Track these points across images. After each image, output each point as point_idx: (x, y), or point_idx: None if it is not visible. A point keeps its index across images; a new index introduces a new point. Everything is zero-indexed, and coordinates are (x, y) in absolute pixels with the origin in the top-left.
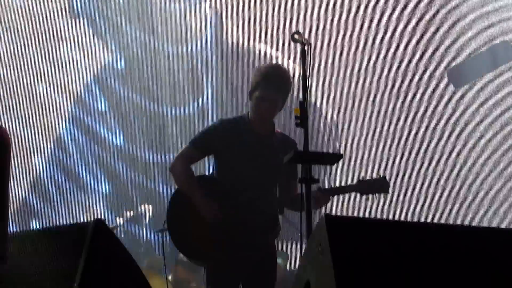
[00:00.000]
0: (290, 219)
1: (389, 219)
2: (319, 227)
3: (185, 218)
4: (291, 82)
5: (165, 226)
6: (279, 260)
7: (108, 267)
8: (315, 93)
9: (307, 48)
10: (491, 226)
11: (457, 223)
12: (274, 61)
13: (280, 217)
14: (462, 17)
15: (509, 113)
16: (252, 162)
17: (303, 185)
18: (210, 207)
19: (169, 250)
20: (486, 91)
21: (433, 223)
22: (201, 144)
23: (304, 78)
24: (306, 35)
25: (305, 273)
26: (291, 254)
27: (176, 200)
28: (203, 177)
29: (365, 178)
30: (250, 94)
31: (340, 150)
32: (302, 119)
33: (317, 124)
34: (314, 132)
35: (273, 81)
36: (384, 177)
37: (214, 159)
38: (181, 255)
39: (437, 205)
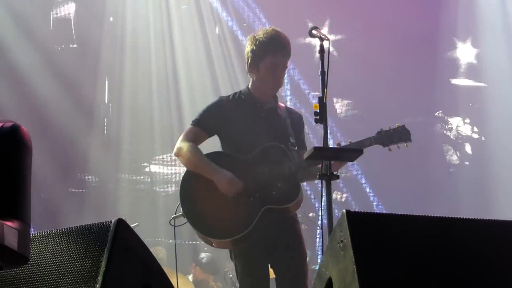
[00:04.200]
0: (309, 216)
1: (410, 214)
2: (340, 223)
3: (201, 198)
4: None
5: (177, 212)
6: None
7: (130, 265)
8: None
9: (326, 43)
10: None
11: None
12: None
13: (301, 185)
14: None
15: None
16: (262, 133)
17: (323, 182)
18: (229, 179)
19: (187, 250)
20: None
21: (455, 218)
22: (204, 123)
23: (323, 73)
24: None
25: (327, 270)
26: (312, 251)
27: (187, 181)
28: (212, 153)
29: (384, 129)
30: (254, 65)
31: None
32: (321, 114)
33: None
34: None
35: (279, 46)
36: (403, 125)
37: (220, 138)
38: (200, 256)
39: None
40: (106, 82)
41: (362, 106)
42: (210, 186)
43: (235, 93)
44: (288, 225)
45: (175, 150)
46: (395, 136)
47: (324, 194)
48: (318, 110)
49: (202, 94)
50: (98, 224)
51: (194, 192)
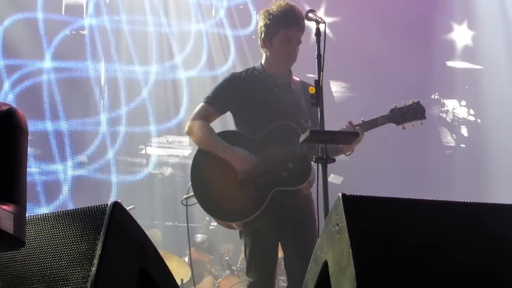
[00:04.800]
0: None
1: (406, 198)
2: (336, 207)
3: (211, 179)
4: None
5: (189, 192)
6: None
7: (126, 248)
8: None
9: (322, 26)
10: None
11: None
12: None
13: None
14: None
15: None
16: (275, 109)
17: (319, 165)
18: (243, 155)
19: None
20: None
21: (449, 201)
22: (216, 100)
23: (319, 56)
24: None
25: (323, 253)
26: None
27: (198, 162)
28: (224, 132)
29: (397, 107)
30: (267, 40)
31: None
32: (318, 98)
33: None
34: None
35: (293, 20)
36: (418, 102)
37: (233, 115)
38: (196, 238)
39: None
40: (102, 63)
41: (359, 89)
42: (222, 166)
43: (247, 69)
44: (299, 205)
45: (186, 128)
46: (409, 114)
47: (320, 177)
48: (314, 93)
49: (199, 78)
50: (94, 207)
51: (204, 172)
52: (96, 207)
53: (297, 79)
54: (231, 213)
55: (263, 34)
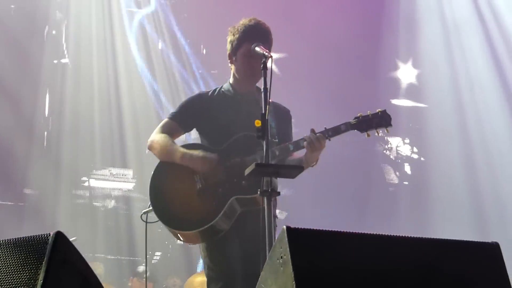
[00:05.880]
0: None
1: (350, 232)
2: (280, 240)
3: (169, 191)
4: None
5: (149, 207)
6: None
7: (68, 279)
8: None
9: (269, 60)
10: None
11: None
12: None
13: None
14: None
15: None
16: (241, 126)
17: (264, 198)
18: (202, 156)
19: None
20: None
21: (392, 236)
22: (181, 117)
23: (266, 90)
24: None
25: (266, 286)
26: None
27: (157, 174)
28: (185, 145)
29: (362, 115)
30: (232, 54)
31: None
32: (263, 131)
33: None
34: None
35: (258, 34)
36: (384, 110)
37: (200, 134)
38: (138, 268)
39: None
40: (47, 95)
41: (305, 124)
42: (180, 176)
43: (215, 89)
44: (258, 218)
45: (148, 143)
46: (374, 121)
47: (266, 210)
48: (260, 126)
49: (143, 110)
50: (36, 237)
51: (163, 185)
52: (39, 236)
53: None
54: (189, 223)
55: (228, 50)
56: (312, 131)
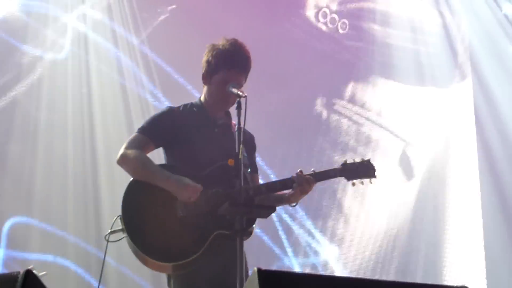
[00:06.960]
0: None
1: (321, 274)
2: (251, 281)
3: (146, 213)
4: (251, 58)
5: (115, 226)
6: None
7: None
8: None
9: (243, 100)
10: None
11: None
12: None
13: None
14: None
15: None
16: (215, 149)
17: (238, 238)
18: (187, 184)
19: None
20: None
21: (369, 279)
22: (151, 131)
23: (239, 130)
24: None
25: None
26: None
27: (131, 194)
28: (163, 165)
29: (348, 162)
30: (207, 76)
31: None
32: (237, 171)
33: None
34: None
35: (237, 61)
36: (368, 160)
37: (166, 150)
38: None
39: None
40: None
41: (276, 164)
42: (160, 200)
43: (186, 104)
44: (230, 252)
45: (118, 157)
46: (360, 170)
47: (238, 250)
48: (233, 165)
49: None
50: (5, 275)
51: (139, 205)
52: (8, 274)
53: (235, 122)
54: (169, 253)
55: (203, 69)
56: (300, 172)
